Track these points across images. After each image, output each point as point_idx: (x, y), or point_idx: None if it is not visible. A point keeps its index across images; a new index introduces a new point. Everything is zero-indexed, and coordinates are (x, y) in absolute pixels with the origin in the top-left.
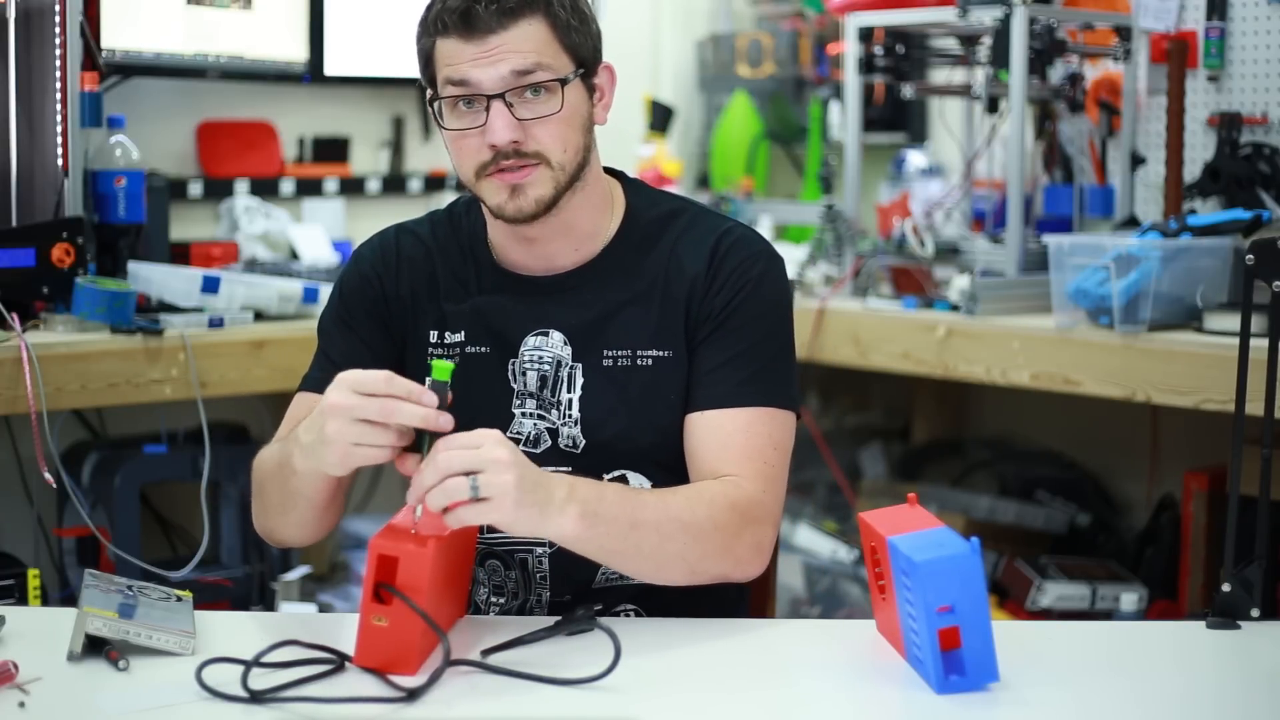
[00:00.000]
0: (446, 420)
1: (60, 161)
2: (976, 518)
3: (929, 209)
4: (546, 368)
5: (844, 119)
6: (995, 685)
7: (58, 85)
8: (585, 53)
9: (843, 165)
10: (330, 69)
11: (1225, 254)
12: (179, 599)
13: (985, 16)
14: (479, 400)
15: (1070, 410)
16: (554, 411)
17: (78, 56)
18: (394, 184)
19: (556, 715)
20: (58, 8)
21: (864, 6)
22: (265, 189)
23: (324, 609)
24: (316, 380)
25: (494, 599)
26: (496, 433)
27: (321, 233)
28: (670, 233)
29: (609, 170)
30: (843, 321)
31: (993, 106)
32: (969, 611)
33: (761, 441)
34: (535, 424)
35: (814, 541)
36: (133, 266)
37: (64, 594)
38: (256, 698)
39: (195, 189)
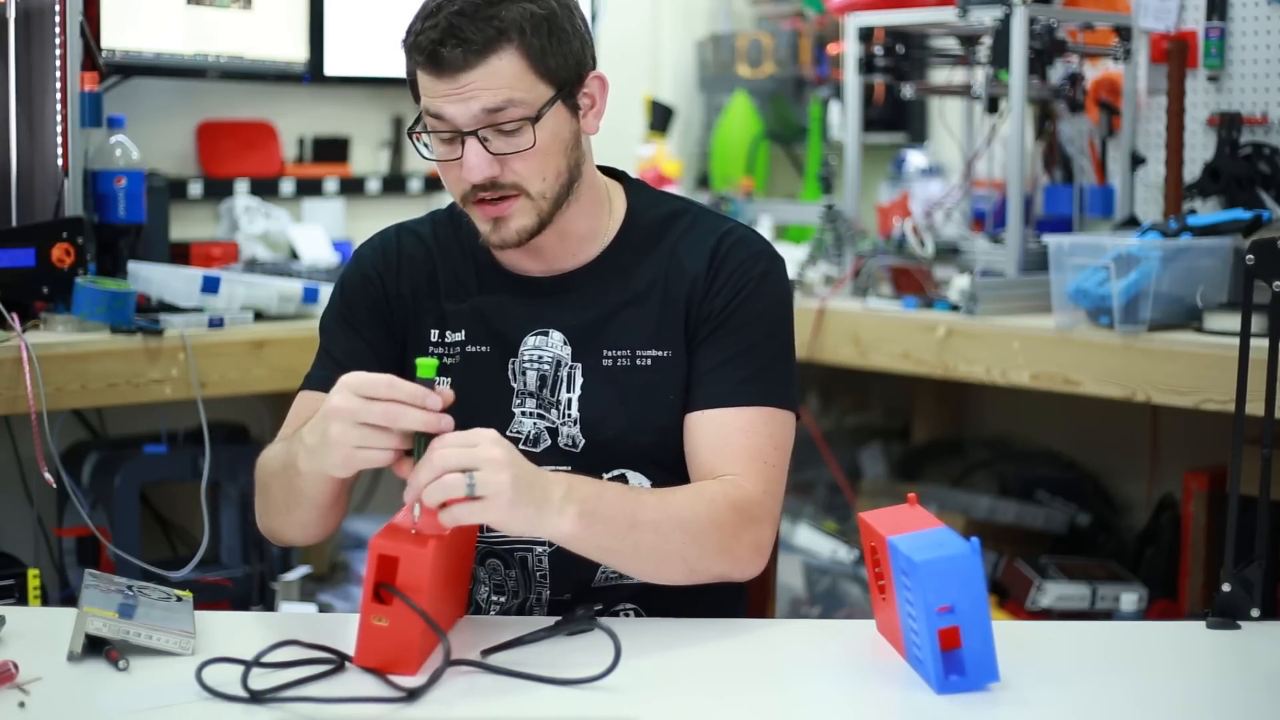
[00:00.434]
0: (448, 423)
1: (60, 161)
2: (976, 518)
3: (929, 209)
4: (546, 367)
5: (844, 119)
6: (995, 685)
7: (58, 85)
8: (566, 73)
9: (843, 165)
10: (330, 69)
11: (1225, 254)
12: (179, 599)
13: (985, 16)
14: (479, 399)
15: (1070, 410)
16: (553, 411)
17: (78, 56)
18: (394, 184)
19: (556, 715)
20: (58, 8)
21: (864, 6)
22: (265, 189)
23: (324, 609)
24: (319, 379)
25: (494, 598)
26: (493, 432)
27: (321, 233)
28: (671, 233)
29: (610, 171)
30: (843, 321)
31: (993, 106)
32: (969, 611)
33: (761, 441)
34: (535, 423)
35: (814, 541)
36: (133, 266)
37: (64, 594)
38: (256, 698)
39: (195, 189)
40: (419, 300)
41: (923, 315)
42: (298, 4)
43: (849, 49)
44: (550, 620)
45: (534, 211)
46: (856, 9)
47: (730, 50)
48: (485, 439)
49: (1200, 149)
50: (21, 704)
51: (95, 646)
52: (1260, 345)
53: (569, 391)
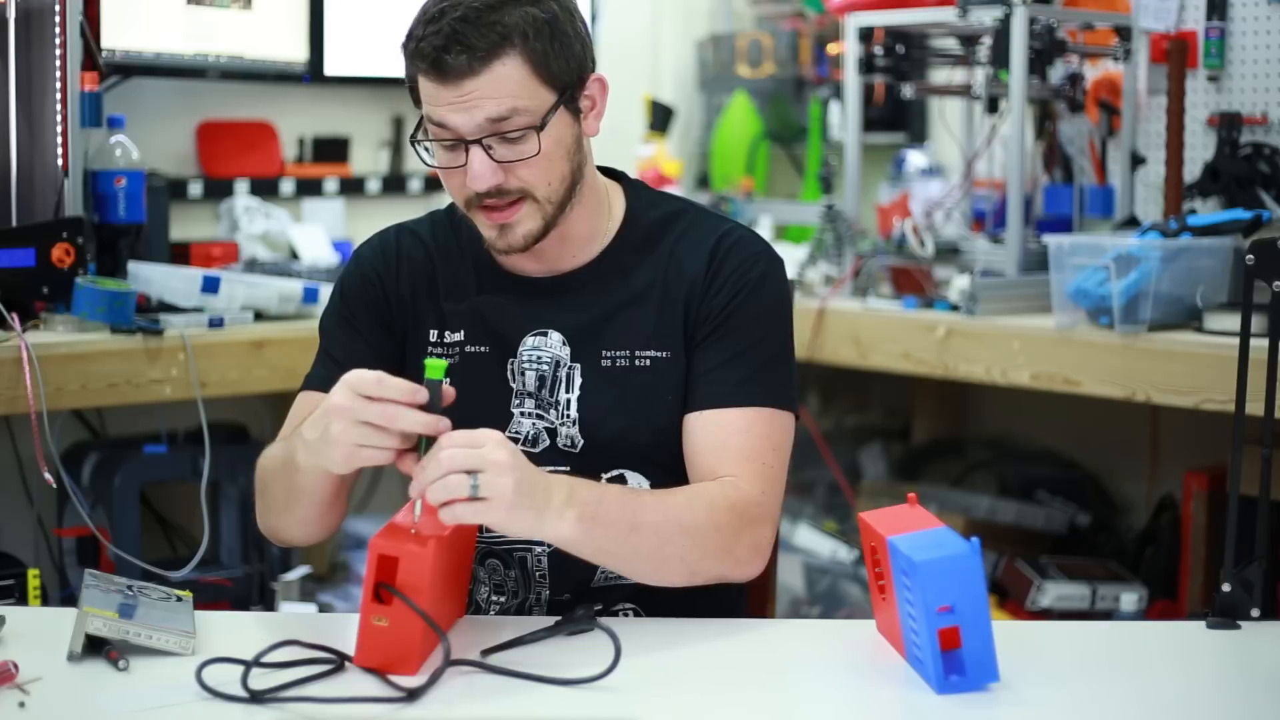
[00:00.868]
0: (445, 424)
1: (60, 161)
2: (976, 518)
3: (929, 209)
4: (545, 368)
5: (844, 119)
6: (995, 685)
7: (58, 85)
8: (569, 76)
9: (843, 165)
10: (330, 69)
11: (1225, 254)
12: (179, 599)
13: (985, 16)
14: (478, 399)
15: (1070, 410)
16: (552, 411)
17: (78, 56)
18: (394, 184)
19: (556, 715)
20: (58, 8)
21: (864, 6)
22: (265, 189)
23: (324, 609)
24: (319, 379)
25: (494, 598)
26: (498, 434)
27: (321, 233)
28: (670, 234)
29: (610, 171)
30: (843, 321)
31: (993, 106)
32: (969, 611)
33: (760, 442)
34: (534, 423)
35: (814, 541)
36: (133, 266)
37: (64, 594)
38: (256, 698)
39: (195, 189)
40: (418, 300)
41: (923, 315)
42: (298, 4)
43: (849, 49)
44: (550, 620)
45: (540, 216)
46: (856, 9)
47: (730, 50)
48: (490, 440)
49: (1200, 149)
50: (21, 704)
51: (95, 646)
52: (1260, 345)
53: (568, 392)
